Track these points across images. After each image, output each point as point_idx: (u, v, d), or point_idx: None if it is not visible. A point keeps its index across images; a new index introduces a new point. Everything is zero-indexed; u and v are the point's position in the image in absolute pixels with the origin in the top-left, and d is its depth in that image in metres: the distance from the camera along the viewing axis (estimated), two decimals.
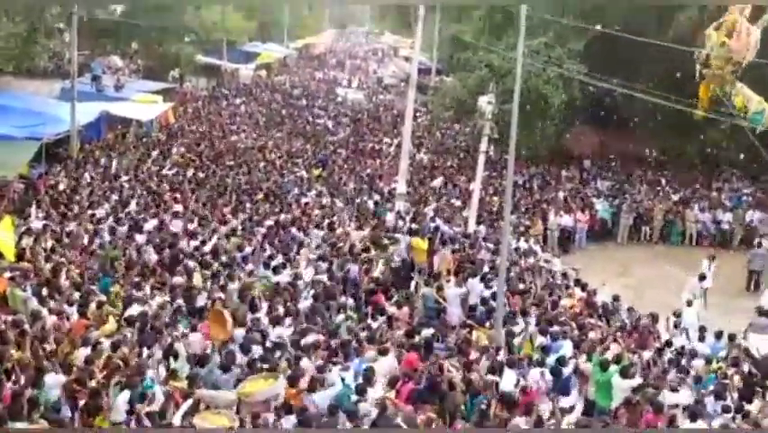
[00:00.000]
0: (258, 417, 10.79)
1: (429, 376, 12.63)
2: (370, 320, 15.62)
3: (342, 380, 12.33)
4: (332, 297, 16.21)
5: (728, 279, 24.95)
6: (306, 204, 24.65)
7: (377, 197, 26.85)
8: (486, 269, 19.06)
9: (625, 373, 13.21)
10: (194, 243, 19.02)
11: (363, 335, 14.48)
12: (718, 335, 17.03)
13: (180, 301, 15.12)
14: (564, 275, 20.97)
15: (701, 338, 16.86)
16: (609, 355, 13.92)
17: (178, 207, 22.01)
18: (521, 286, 18.53)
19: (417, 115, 41.21)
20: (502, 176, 30.07)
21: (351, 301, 16.32)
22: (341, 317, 15.22)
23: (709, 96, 21.98)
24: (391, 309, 16.10)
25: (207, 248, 18.59)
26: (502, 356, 13.95)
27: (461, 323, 16.55)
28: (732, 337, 16.89)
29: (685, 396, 13.23)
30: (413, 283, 18.38)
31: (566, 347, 14.72)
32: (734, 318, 20.21)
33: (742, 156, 33.33)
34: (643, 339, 16.20)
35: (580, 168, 35.66)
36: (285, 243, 19.78)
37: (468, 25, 38.03)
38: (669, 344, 16.48)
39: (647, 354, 15.29)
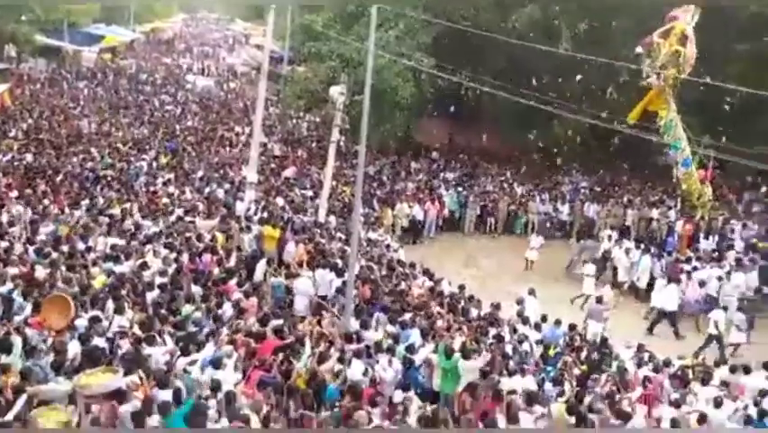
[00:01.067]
0: (89, 410, 10.44)
1: (279, 365, 12.57)
2: (219, 310, 15.32)
3: (189, 373, 12.08)
4: (179, 287, 15.83)
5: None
6: (154, 192, 23.97)
7: (227, 185, 26.45)
8: (337, 259, 19.13)
9: (467, 357, 13.53)
10: (39, 232, 18.12)
11: (211, 325, 14.25)
12: (557, 322, 17.75)
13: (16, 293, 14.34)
14: (412, 265, 21.32)
15: (537, 326, 17.47)
16: (456, 345, 14.22)
17: (13, 195, 20.95)
18: (371, 276, 18.70)
19: (269, 103, 40.86)
20: (353, 166, 30.30)
21: (199, 291, 15.95)
22: (188, 307, 14.87)
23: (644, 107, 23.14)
24: (240, 299, 15.89)
25: (47, 237, 17.76)
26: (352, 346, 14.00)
27: (310, 313, 16.50)
28: (573, 327, 17.65)
29: (525, 382, 13.70)
30: (262, 273, 18.21)
31: (415, 336, 14.97)
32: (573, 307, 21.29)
33: (581, 151, 35.04)
34: (484, 328, 16.65)
35: (430, 159, 36.38)
36: (130, 232, 19.15)
37: (320, 15, 37.95)
38: (512, 330, 17.02)
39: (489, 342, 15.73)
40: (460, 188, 31.77)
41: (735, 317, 20.74)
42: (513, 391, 12.98)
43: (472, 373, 13.38)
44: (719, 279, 23.18)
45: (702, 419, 13.33)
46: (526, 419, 12.14)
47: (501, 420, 11.81)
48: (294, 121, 42.08)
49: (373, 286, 17.85)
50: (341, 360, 13.10)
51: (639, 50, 22.22)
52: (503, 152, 38.10)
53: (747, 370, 16.55)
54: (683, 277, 23.26)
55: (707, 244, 27.01)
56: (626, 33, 31.44)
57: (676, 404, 13.92)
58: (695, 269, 23.99)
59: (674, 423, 12.91)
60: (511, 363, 14.59)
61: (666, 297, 22.02)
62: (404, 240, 27.45)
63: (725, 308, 21.21)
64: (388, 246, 23.43)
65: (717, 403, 13.95)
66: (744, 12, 31.51)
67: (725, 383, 15.61)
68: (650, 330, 21.72)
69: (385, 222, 27.29)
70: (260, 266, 18.34)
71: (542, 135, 35.21)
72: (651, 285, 23.85)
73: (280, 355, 12.86)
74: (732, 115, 33.19)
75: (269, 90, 38.18)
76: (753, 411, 13.97)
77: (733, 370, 16.39)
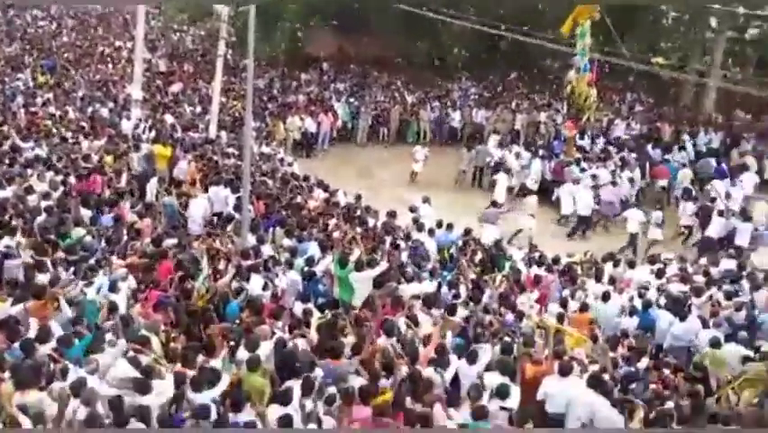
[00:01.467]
0: None
1: (177, 284, 12.46)
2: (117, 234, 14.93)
3: (85, 294, 11.84)
4: (67, 210, 15.32)
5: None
6: (34, 113, 22.97)
7: (111, 104, 25.58)
8: (230, 175, 18.87)
9: (360, 268, 13.70)
10: None
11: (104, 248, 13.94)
12: (449, 226, 18.07)
13: None
14: (307, 178, 21.25)
15: (431, 232, 17.75)
16: (354, 255, 14.35)
17: None
18: (266, 191, 18.58)
19: (150, 17, 39.37)
20: (242, 80, 29.66)
21: (89, 214, 15.48)
22: (79, 230, 14.42)
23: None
24: (133, 219, 15.57)
25: None
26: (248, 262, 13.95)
27: (205, 232, 16.31)
28: (468, 231, 17.96)
29: (422, 287, 13.98)
30: (154, 193, 17.83)
31: (313, 248, 15.04)
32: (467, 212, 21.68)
33: (470, 57, 35.22)
34: (381, 236, 16.83)
35: (320, 70, 35.94)
36: (11, 155, 18.35)
37: None
38: (408, 237, 17.25)
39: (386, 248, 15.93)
40: (351, 99, 31.61)
41: (653, 214, 21.46)
42: (415, 297, 13.23)
43: (365, 283, 13.55)
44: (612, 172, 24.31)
45: (584, 308, 13.94)
46: (426, 320, 12.45)
47: (402, 325, 12.06)
48: (178, 35, 40.76)
49: (268, 200, 17.75)
50: (239, 276, 13.07)
51: None
52: (393, 61, 37.94)
53: (632, 264, 17.35)
54: (587, 179, 23.90)
55: (591, 145, 27.89)
56: None
57: (563, 302, 14.53)
58: (583, 170, 24.72)
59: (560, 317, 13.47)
60: (408, 269, 14.82)
61: (582, 202, 22.74)
62: (297, 153, 27.28)
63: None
64: (281, 160, 23.25)
65: (605, 297, 14.58)
66: None
67: (612, 278, 16.33)
68: (570, 235, 22.47)
69: (277, 136, 27.00)
70: (152, 185, 17.96)
71: (430, 42, 35.18)
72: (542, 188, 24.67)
73: (177, 275, 12.71)
74: (613, 17, 33.83)
75: (150, 4, 36.80)
76: (638, 303, 14.67)
77: (616, 264, 17.16)
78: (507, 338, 12.01)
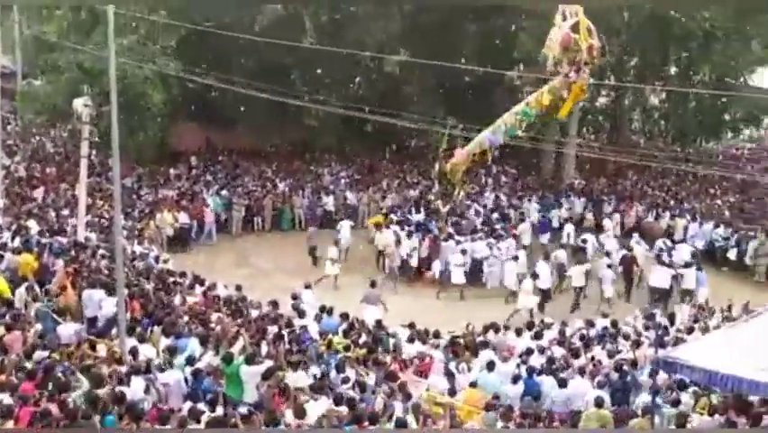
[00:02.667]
0: None
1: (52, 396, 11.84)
2: None
3: None
4: None
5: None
6: None
7: None
8: (103, 277, 18.30)
9: (250, 361, 13.48)
10: None
11: None
12: (329, 312, 18.05)
13: None
14: (183, 274, 20.84)
15: (317, 317, 17.71)
16: (237, 347, 14.09)
17: None
18: (141, 290, 18.07)
19: (6, 122, 38.24)
20: (109, 179, 29.01)
21: None
22: None
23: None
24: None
25: None
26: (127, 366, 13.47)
27: (81, 339, 15.65)
28: (345, 315, 17.93)
29: (310, 373, 13.83)
30: (22, 301, 17.05)
31: (193, 344, 14.68)
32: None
33: (337, 141, 35.77)
34: (262, 326, 16.61)
35: (189, 165, 35.64)
36: None
37: (51, 25, 35.80)
38: (289, 324, 17.08)
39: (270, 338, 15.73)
40: (223, 191, 31.38)
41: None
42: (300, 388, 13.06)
43: (254, 378, 13.31)
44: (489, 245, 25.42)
45: (472, 384, 14.10)
46: (314, 408, 12.28)
47: (289, 415, 11.86)
48: (37, 138, 39.68)
49: (144, 300, 17.27)
50: (119, 381, 12.57)
51: (554, 50, 22.43)
52: (262, 150, 38.09)
53: (518, 332, 17.70)
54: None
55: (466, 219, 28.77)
56: (368, 20, 32.42)
57: (449, 373, 14.63)
58: (458, 243, 25.40)
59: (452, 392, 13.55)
60: (293, 357, 14.65)
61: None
62: (173, 249, 26.75)
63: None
64: (156, 258, 22.74)
65: (490, 366, 14.78)
66: None
67: (494, 347, 16.59)
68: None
69: (148, 233, 26.43)
70: (19, 294, 17.19)
71: (297, 129, 35.58)
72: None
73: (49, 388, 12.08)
74: (468, 94, 35.29)
75: (5, 108, 35.84)
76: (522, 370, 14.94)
77: (496, 330, 17.49)
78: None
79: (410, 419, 11.94)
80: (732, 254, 27.40)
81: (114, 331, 15.62)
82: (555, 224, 29.67)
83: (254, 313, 17.82)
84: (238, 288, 19.66)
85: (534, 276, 23.19)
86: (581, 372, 14.86)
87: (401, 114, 29.36)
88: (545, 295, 23.17)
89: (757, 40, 37.78)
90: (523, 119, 23.13)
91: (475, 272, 25.26)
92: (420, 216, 29.09)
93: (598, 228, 29.09)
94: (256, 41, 28.49)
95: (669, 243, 26.74)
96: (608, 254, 24.94)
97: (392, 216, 28.77)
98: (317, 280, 23.26)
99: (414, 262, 25.74)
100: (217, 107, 34.86)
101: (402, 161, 37.79)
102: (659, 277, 23.58)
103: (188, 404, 12.33)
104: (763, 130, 48.23)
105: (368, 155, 38.43)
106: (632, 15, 30.77)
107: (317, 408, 12.34)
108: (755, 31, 36.50)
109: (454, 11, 34.02)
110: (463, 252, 25.05)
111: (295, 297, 19.08)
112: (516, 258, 24.75)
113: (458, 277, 24.76)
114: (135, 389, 12.48)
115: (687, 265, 24.18)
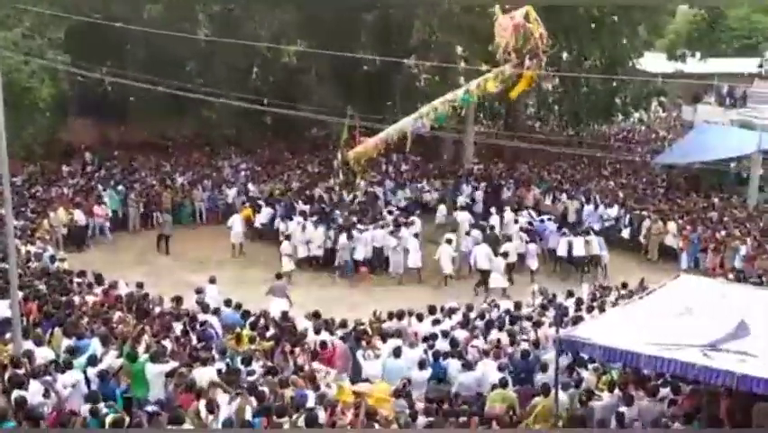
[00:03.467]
0: None
1: None
2: None
3: None
4: None
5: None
6: None
7: None
8: None
9: (155, 359, 13.25)
10: None
11: None
12: (237, 306, 17.90)
13: None
14: (82, 273, 20.25)
15: (216, 311, 17.49)
16: (142, 346, 13.82)
17: None
18: (37, 292, 17.49)
19: None
20: None
21: None
22: None
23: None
24: None
25: None
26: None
27: None
28: (247, 312, 17.72)
29: (216, 368, 13.67)
30: None
31: (94, 345, 14.31)
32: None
33: (236, 133, 35.39)
34: (166, 323, 16.33)
35: (83, 161, 34.60)
36: None
37: None
38: (193, 319, 16.81)
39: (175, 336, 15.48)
40: (119, 186, 30.56)
41: None
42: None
43: (159, 377, 13.09)
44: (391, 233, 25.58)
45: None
46: (225, 400, 12.18)
47: (203, 410, 11.73)
48: None
49: (41, 302, 16.72)
50: (17, 385, 12.15)
51: (505, 38, 22.62)
52: (159, 144, 37.34)
53: (420, 317, 17.86)
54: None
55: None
56: (263, 10, 32.12)
57: (356, 361, 14.73)
58: (361, 231, 25.51)
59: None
60: (201, 353, 14.44)
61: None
62: (69, 248, 25.95)
63: None
64: (52, 258, 22.02)
65: (396, 353, 14.89)
66: None
67: (398, 332, 16.72)
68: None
69: (41, 232, 25.54)
70: None
71: (194, 122, 35.04)
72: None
73: None
74: (366, 83, 35.45)
75: None
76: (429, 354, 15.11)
77: (400, 317, 17.62)
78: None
79: (320, 411, 11.94)
80: (626, 234, 28.29)
81: (8, 335, 15.07)
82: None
83: (157, 310, 17.47)
84: (139, 285, 19.23)
85: (505, 255, 24.05)
86: (486, 354, 15.13)
87: (300, 104, 29.27)
88: (484, 275, 23.74)
89: (643, 25, 39.19)
90: (461, 105, 24.03)
91: (378, 260, 25.47)
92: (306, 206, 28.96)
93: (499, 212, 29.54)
94: (148, 32, 27.88)
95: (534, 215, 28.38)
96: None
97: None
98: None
99: (320, 252, 25.73)
100: (110, 101, 33.96)
101: (302, 152, 37.63)
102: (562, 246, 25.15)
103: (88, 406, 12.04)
104: (651, 113, 50.14)
105: (268, 146, 38.13)
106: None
107: (228, 402, 12.23)
108: (641, 16, 37.82)
109: (351, 1, 34.07)
110: (365, 240, 25.30)
111: (199, 291, 18.79)
112: (449, 241, 25.07)
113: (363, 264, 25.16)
114: (33, 393, 12.10)
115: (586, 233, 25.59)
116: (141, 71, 28.95)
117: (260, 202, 29.27)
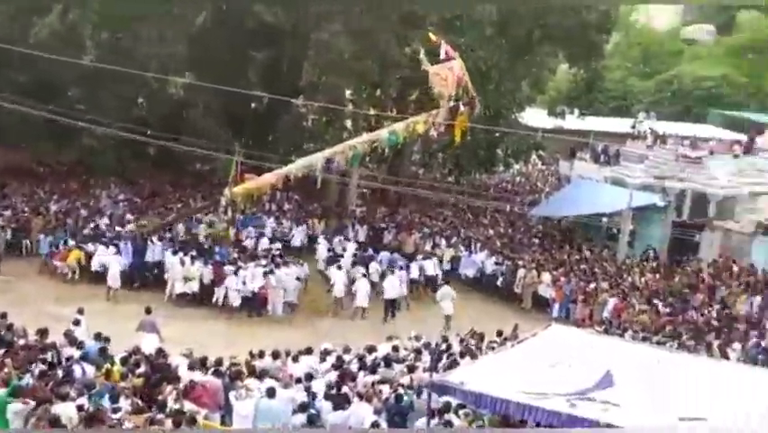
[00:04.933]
0: None
1: None
2: None
3: None
4: None
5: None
6: None
7: None
8: None
9: (16, 394, 12.69)
10: None
11: None
12: (106, 339, 17.34)
13: None
14: None
15: (80, 345, 16.92)
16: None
17: None
18: None
19: None
20: None
21: None
22: None
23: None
24: None
25: None
26: None
27: None
28: (104, 349, 17.16)
29: (78, 403, 13.18)
30: None
31: None
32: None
33: (116, 162, 34.54)
34: (33, 354, 15.67)
35: None
36: None
37: None
38: (59, 353, 16.15)
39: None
40: None
41: None
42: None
43: (21, 412, 12.53)
44: (266, 273, 25.33)
45: None
46: None
47: None
48: None
49: None
50: None
51: (450, 88, 23.66)
52: (34, 170, 36.00)
53: (296, 358, 17.72)
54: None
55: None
56: (152, 40, 31.66)
57: (227, 400, 14.50)
58: (239, 268, 25.27)
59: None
60: (65, 388, 13.86)
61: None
62: None
63: None
64: None
65: (270, 393, 14.67)
66: (252, 19, 33.47)
67: (273, 372, 16.54)
68: None
69: None
70: None
71: (74, 149, 34.02)
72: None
73: None
74: (254, 120, 35.36)
75: None
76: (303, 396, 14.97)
77: (276, 356, 17.44)
78: None
79: None
80: (500, 282, 28.97)
81: None
82: (339, 250, 30.02)
83: (21, 342, 16.73)
84: (2, 315, 18.39)
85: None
86: (360, 396, 15.10)
87: (185, 137, 28.86)
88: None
89: (526, 80, 40.64)
90: (386, 145, 24.80)
91: (254, 298, 25.30)
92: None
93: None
94: (32, 55, 27.02)
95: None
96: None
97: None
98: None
99: (196, 287, 25.31)
100: None
101: (185, 186, 36.97)
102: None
103: None
104: (531, 165, 51.81)
105: (149, 178, 37.31)
106: (414, 50, 32.05)
107: None
108: (525, 72, 39.24)
109: (243, 36, 34.04)
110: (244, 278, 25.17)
111: (76, 322, 18.19)
112: (364, 275, 26.23)
113: (237, 302, 24.97)
114: None
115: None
116: (20, 94, 27.97)
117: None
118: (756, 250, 30.06)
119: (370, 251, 29.55)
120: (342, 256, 28.72)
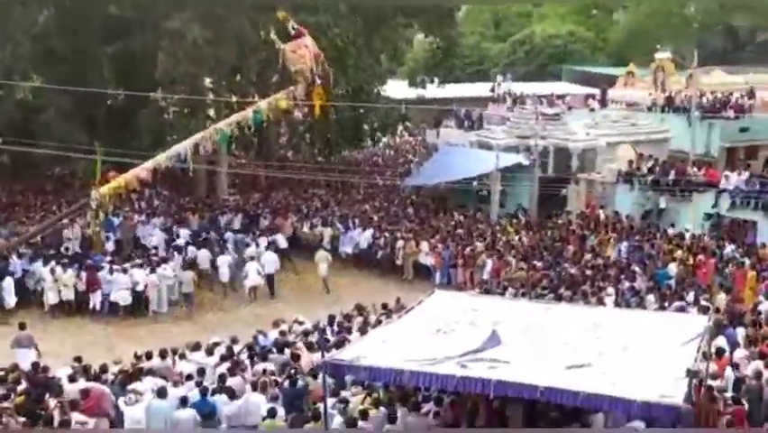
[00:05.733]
0: None
1: None
2: None
3: None
4: None
5: None
6: None
7: None
8: None
9: None
10: None
11: None
12: None
13: None
14: None
15: None
16: None
17: None
18: None
19: None
20: None
21: None
22: None
23: None
24: None
25: None
26: None
27: None
28: None
29: None
30: None
31: None
32: None
33: None
34: None
35: None
36: None
37: None
38: None
39: None
40: None
41: None
42: None
43: None
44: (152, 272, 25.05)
45: None
46: None
47: None
48: None
49: None
50: None
51: (308, 64, 24.01)
52: None
53: (182, 355, 17.38)
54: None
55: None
56: None
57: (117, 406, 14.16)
58: (111, 272, 24.63)
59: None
60: None
61: None
62: None
63: None
64: None
65: (161, 393, 14.33)
66: (98, 13, 32.44)
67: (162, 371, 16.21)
68: None
69: None
70: None
71: None
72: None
73: None
74: (112, 118, 34.30)
75: None
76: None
77: (163, 356, 17.08)
78: None
79: None
80: (379, 256, 29.20)
81: None
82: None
83: None
84: None
85: None
86: (254, 386, 14.96)
87: (41, 141, 27.71)
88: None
89: (384, 54, 40.91)
90: (252, 124, 25.33)
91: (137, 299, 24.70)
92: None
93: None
94: None
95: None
96: None
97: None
98: None
99: (71, 295, 24.43)
100: None
101: (46, 192, 35.48)
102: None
103: None
104: (398, 137, 52.31)
105: (6, 187, 35.62)
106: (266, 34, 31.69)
107: None
108: (382, 45, 39.48)
109: (90, 33, 32.82)
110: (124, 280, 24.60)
111: None
112: (252, 257, 27.01)
113: (120, 303, 24.44)
114: None
115: None
116: None
117: None
118: (620, 198, 31.32)
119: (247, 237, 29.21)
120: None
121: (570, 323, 13.40)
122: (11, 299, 24.27)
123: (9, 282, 24.56)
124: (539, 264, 25.41)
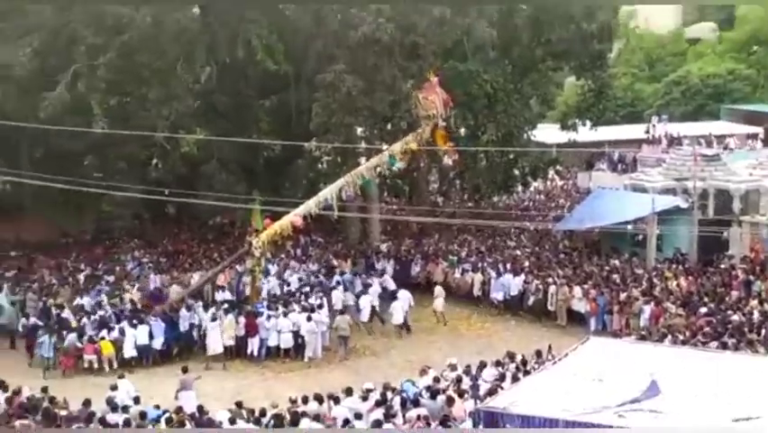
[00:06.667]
0: None
1: None
2: None
3: None
4: None
5: None
6: None
7: None
8: None
9: None
10: None
11: None
12: (156, 406, 17.42)
13: None
14: None
15: (125, 409, 16.96)
16: None
17: None
18: None
19: None
20: None
21: None
22: None
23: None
24: None
25: None
26: None
27: None
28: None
29: None
30: None
31: None
32: None
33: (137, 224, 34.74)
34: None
35: None
36: None
37: None
38: (102, 422, 16.17)
39: None
40: (17, 287, 29.24)
41: None
42: None
43: None
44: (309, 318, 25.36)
45: None
46: None
47: None
48: None
49: None
50: None
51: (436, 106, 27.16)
52: (59, 241, 36.27)
53: (337, 399, 17.60)
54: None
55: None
56: (159, 102, 32.04)
57: None
58: (269, 318, 25.28)
59: None
60: None
61: None
62: None
63: None
64: None
65: None
66: (256, 68, 33.82)
67: (317, 416, 16.44)
68: None
69: None
70: None
71: (94, 216, 34.34)
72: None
73: None
74: (268, 168, 35.53)
75: None
76: None
77: (319, 401, 17.31)
78: None
79: None
80: (531, 302, 28.73)
81: None
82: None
83: (63, 413, 16.76)
84: (44, 389, 18.49)
85: None
86: None
87: (202, 192, 29.03)
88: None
89: (534, 98, 40.64)
90: (389, 166, 27.88)
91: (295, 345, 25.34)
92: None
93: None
94: (44, 129, 27.42)
95: None
96: None
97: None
98: None
99: (232, 341, 25.24)
100: (4, 200, 33.04)
101: (208, 240, 37.07)
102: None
103: None
104: (549, 181, 51.59)
105: (171, 237, 37.47)
106: (417, 81, 32.12)
107: None
108: (531, 90, 39.26)
109: (249, 86, 34.32)
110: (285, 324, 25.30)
111: (114, 388, 18.24)
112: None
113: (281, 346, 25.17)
114: None
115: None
116: (37, 169, 28.32)
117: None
118: None
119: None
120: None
121: (735, 373, 12.70)
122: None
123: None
124: (701, 311, 24.30)
